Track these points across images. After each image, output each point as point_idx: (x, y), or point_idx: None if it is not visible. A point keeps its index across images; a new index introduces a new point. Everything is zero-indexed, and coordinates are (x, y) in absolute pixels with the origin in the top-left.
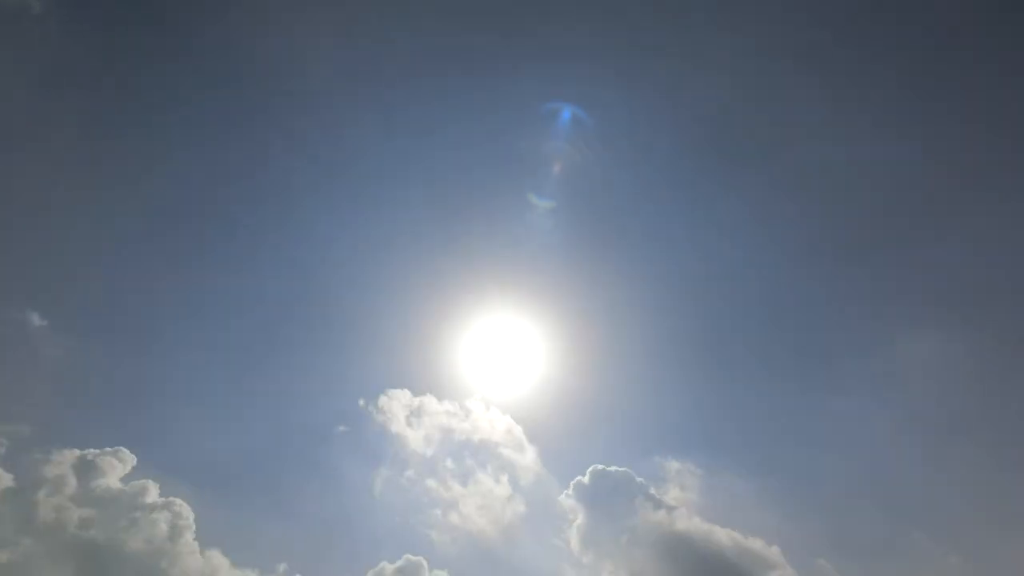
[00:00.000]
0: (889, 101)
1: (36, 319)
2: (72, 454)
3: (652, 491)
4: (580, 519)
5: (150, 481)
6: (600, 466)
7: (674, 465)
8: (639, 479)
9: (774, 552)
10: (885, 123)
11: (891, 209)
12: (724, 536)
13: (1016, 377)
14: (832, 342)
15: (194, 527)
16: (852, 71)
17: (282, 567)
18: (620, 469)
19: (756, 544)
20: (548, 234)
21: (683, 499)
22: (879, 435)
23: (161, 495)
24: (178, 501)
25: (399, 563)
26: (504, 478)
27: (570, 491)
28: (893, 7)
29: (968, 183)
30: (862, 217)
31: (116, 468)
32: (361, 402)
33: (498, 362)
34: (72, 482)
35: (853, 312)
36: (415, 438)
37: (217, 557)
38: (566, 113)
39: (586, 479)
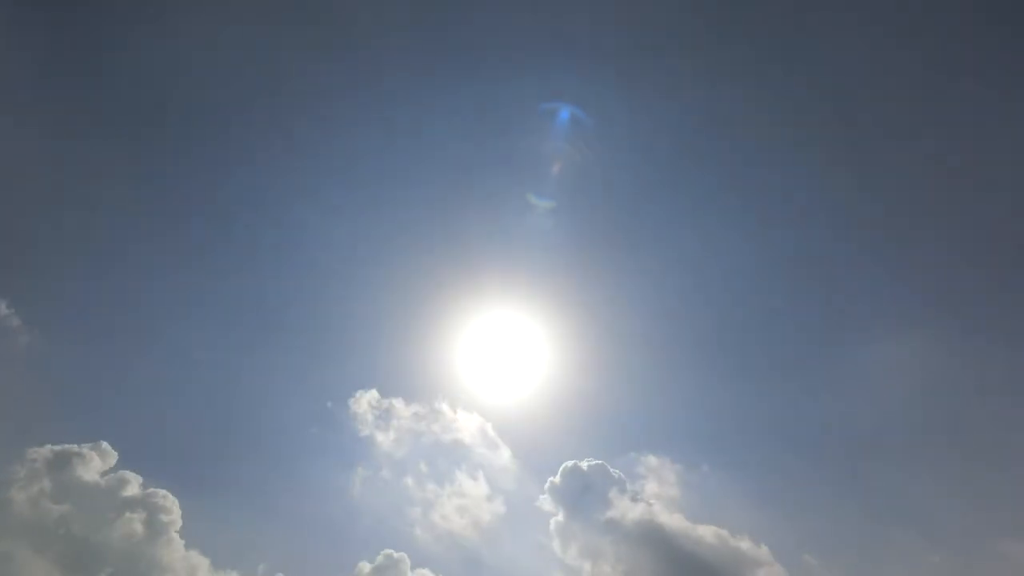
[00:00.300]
0: (890, 101)
1: (3, 308)
2: (49, 450)
3: (629, 485)
4: (559, 515)
5: (132, 474)
6: (572, 462)
7: (652, 460)
8: (615, 473)
9: (760, 548)
10: (886, 123)
11: (891, 210)
12: (706, 532)
13: (998, 378)
14: (819, 342)
15: (180, 523)
16: (853, 71)
17: (261, 568)
18: (595, 463)
19: (741, 539)
20: (546, 234)
21: (663, 494)
22: (864, 433)
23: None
24: (161, 492)
25: (379, 559)
26: (481, 478)
27: (548, 488)
28: (894, 7)
29: (967, 184)
30: (861, 218)
31: (96, 463)
32: (344, 403)
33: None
34: (52, 478)
35: (841, 312)
36: (393, 439)
37: (195, 557)
38: (565, 113)
39: (563, 475)
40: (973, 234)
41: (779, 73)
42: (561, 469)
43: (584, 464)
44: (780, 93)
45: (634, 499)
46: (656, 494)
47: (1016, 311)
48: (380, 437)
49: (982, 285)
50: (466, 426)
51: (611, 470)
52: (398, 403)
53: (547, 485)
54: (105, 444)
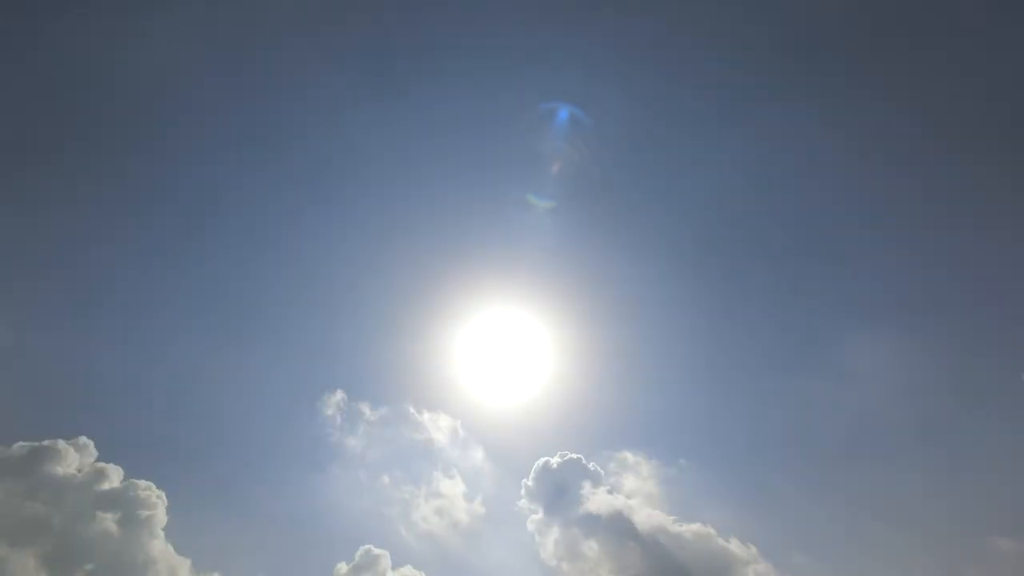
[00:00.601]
0: (875, 115)
1: None
2: (22, 446)
3: (606, 480)
4: (537, 512)
5: (113, 467)
6: (544, 459)
7: (628, 457)
8: (591, 467)
9: (743, 545)
10: (874, 132)
11: (891, 209)
12: (685, 527)
13: (986, 379)
14: (812, 342)
15: (164, 519)
16: (846, 72)
17: (240, 569)
18: (572, 457)
19: (712, 529)
20: (542, 235)
21: (640, 490)
22: (850, 433)
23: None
24: (142, 483)
25: (358, 556)
26: (457, 477)
27: (525, 484)
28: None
29: (957, 192)
30: (848, 220)
31: (76, 458)
32: (322, 403)
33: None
34: (31, 473)
35: (828, 314)
36: (371, 441)
37: (176, 555)
38: (564, 113)
39: (539, 471)
40: (965, 236)
41: (779, 72)
42: (536, 465)
43: (561, 459)
44: (778, 92)
45: (611, 492)
46: (633, 489)
47: (1002, 315)
48: (357, 438)
49: (975, 287)
50: (442, 426)
51: (587, 465)
52: (378, 405)
53: (524, 483)
54: (84, 439)
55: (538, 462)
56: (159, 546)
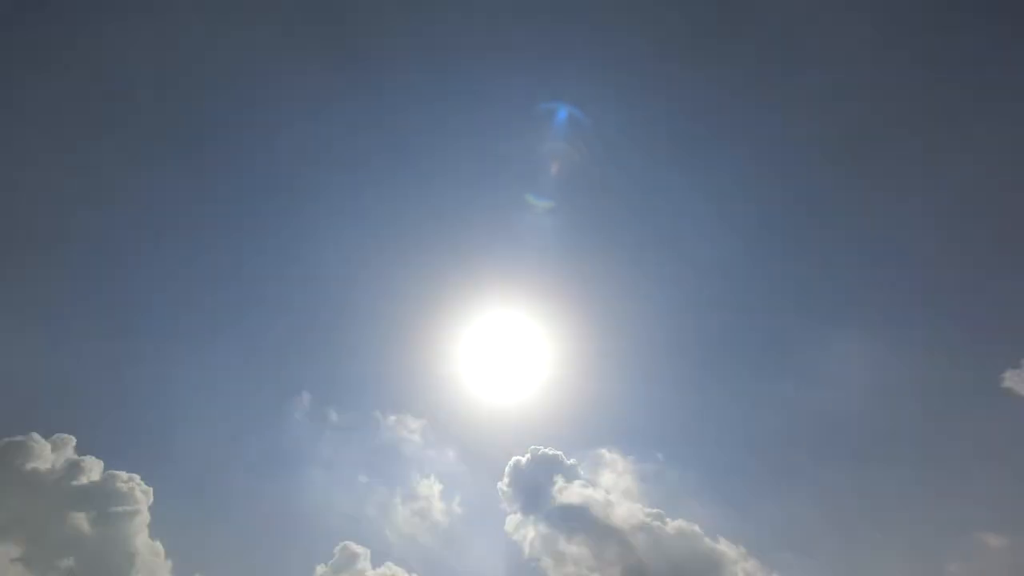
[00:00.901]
0: (889, 101)
1: None
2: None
3: (582, 476)
4: (516, 511)
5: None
6: (515, 459)
7: (605, 455)
8: (570, 463)
9: (729, 543)
10: (885, 121)
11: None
12: (662, 522)
13: (968, 378)
14: (792, 342)
15: (148, 516)
16: (851, 68)
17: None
18: (549, 453)
19: (706, 534)
20: (540, 235)
21: (617, 486)
22: (835, 433)
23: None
24: (123, 475)
25: (337, 553)
26: (434, 477)
27: (502, 481)
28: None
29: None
30: (843, 225)
31: (58, 454)
32: (301, 404)
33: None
34: (7, 468)
35: (820, 312)
36: (348, 443)
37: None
38: (563, 113)
39: (516, 468)
40: (954, 236)
41: (779, 72)
42: (508, 466)
43: (534, 456)
44: (776, 92)
45: (587, 487)
46: (611, 486)
47: (989, 316)
48: (331, 441)
49: (964, 288)
50: (415, 428)
51: (566, 461)
52: (357, 407)
53: (499, 486)
54: (63, 435)
55: (511, 461)
56: (143, 541)
